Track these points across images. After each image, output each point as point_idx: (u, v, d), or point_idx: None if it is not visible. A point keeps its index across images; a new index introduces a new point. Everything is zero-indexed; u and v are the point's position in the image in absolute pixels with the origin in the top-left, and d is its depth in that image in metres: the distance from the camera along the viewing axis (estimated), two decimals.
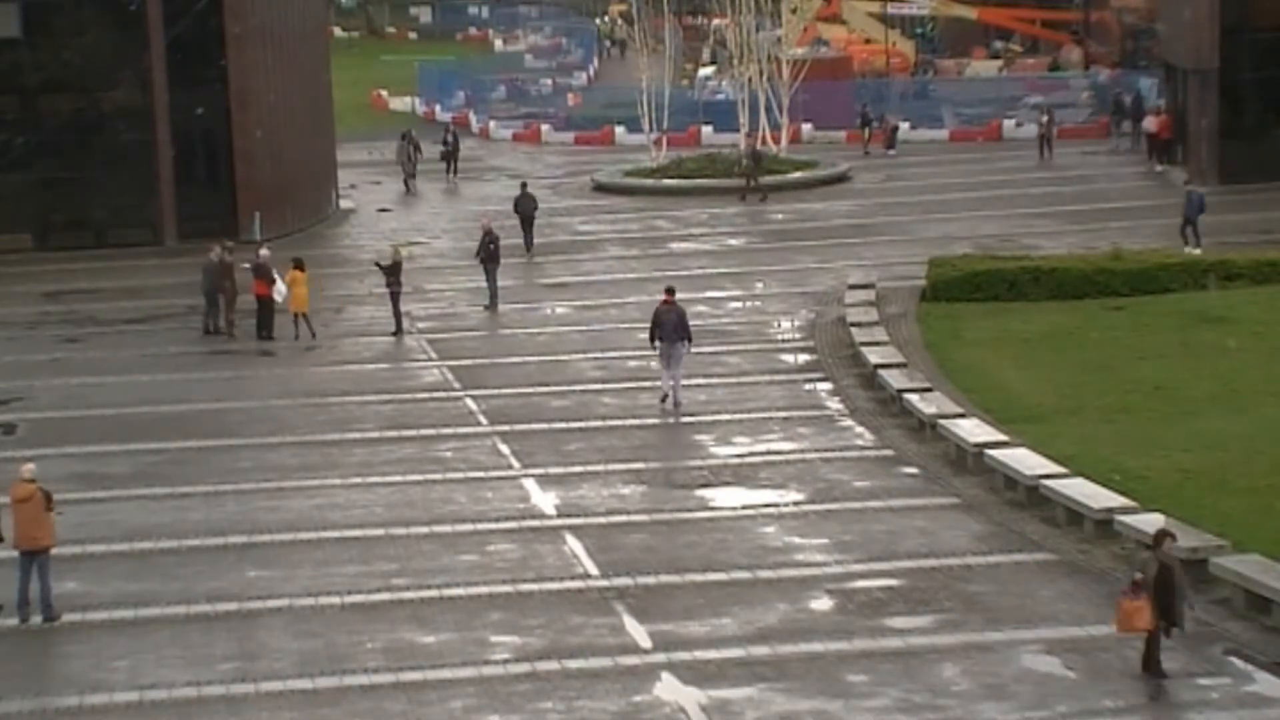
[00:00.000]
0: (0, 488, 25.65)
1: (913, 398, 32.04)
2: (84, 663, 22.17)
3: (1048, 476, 26.78)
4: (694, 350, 34.35)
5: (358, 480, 29.59)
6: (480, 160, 72.69)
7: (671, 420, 32.66)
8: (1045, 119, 65.33)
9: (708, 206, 57.97)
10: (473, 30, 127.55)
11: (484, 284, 43.49)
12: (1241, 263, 41.67)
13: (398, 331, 40.66)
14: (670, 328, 33.83)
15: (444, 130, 70.13)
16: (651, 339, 34.10)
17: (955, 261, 43.08)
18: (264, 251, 42.47)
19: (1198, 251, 44.36)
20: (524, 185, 53.46)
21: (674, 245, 51.88)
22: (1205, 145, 57.06)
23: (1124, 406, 32.12)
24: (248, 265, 41.71)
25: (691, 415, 32.90)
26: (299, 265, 41.13)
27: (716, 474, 29.29)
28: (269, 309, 40.87)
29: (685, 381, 34.13)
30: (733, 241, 52.01)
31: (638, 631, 22.36)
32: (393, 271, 41.18)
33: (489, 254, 43.32)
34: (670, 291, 34.56)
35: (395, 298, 40.96)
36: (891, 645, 21.73)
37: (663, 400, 33.73)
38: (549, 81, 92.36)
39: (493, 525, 26.94)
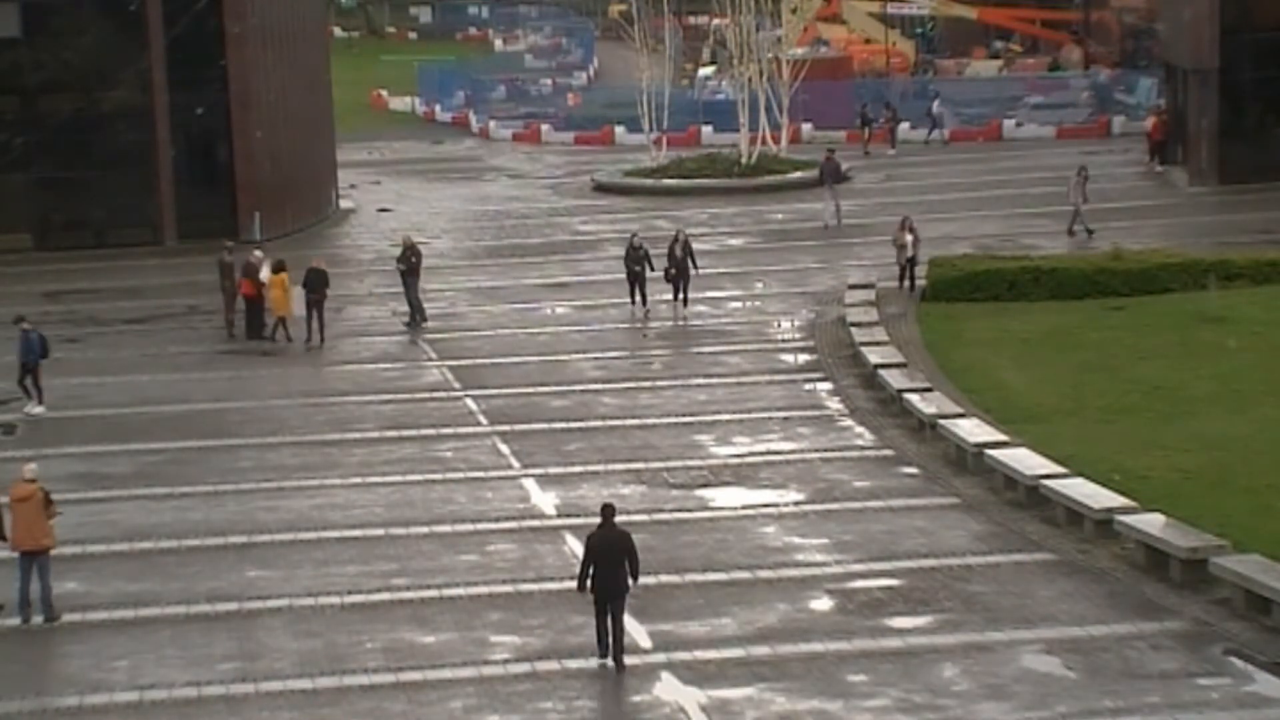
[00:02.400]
0: (0, 488, 25.65)
1: (913, 398, 32.03)
2: (84, 663, 22.16)
3: (1048, 476, 26.77)
4: (694, 350, 35.72)
5: (358, 480, 29.59)
6: (480, 160, 72.82)
7: (670, 420, 32.70)
8: (910, 237, 42.95)
9: (707, 206, 57.95)
10: (473, 30, 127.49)
11: (484, 284, 43.29)
12: (1241, 263, 41.67)
13: (320, 340, 39.83)
14: None
15: (673, 239, 43.30)
16: None
17: (955, 261, 43.10)
18: (258, 253, 42.40)
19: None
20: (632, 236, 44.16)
21: None
22: (1205, 145, 57.05)
23: (1124, 406, 32.12)
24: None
25: (691, 415, 32.91)
26: (279, 268, 40.83)
27: (716, 474, 29.28)
28: (257, 309, 40.76)
29: (686, 382, 35.25)
30: (733, 241, 51.96)
31: (638, 631, 22.32)
32: (314, 282, 40.09)
33: (409, 267, 41.76)
34: None
35: (317, 305, 39.88)
36: (891, 645, 21.72)
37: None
38: (549, 81, 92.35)
39: (493, 525, 26.94)
